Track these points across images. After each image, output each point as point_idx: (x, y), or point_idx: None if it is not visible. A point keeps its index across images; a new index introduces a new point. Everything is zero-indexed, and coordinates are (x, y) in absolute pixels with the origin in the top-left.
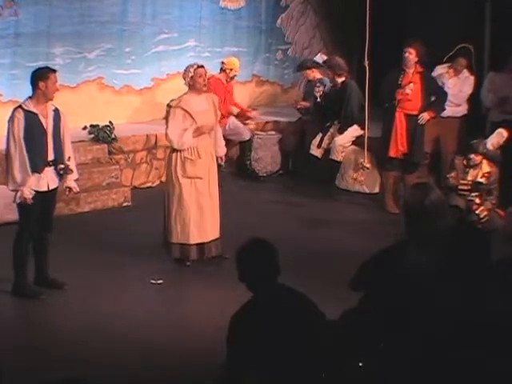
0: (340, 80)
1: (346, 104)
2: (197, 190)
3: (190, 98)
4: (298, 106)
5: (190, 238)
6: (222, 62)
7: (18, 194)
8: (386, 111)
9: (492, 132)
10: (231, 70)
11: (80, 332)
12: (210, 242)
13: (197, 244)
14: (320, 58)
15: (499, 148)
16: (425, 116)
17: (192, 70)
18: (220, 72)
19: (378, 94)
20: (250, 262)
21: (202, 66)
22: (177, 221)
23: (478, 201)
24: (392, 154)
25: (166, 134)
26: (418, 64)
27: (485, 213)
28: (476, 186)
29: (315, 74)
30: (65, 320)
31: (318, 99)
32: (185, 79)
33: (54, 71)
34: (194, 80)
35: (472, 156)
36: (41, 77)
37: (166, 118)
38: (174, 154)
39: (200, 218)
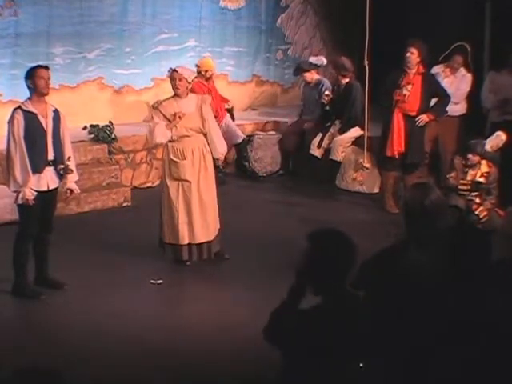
0: (344, 81)
1: (351, 105)
2: (184, 192)
3: (173, 101)
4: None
5: (179, 238)
6: (197, 65)
7: (20, 194)
8: (385, 111)
9: (492, 132)
10: (206, 71)
11: (80, 332)
12: (202, 243)
13: (188, 244)
14: (318, 60)
15: (498, 150)
16: (423, 118)
17: (168, 74)
18: (197, 75)
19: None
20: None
21: (175, 70)
22: (168, 222)
23: (478, 201)
24: (388, 153)
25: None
26: (421, 65)
27: (484, 213)
28: (475, 185)
29: (313, 76)
30: (65, 320)
31: (327, 107)
32: None
33: (43, 67)
34: (171, 84)
35: (470, 156)
36: (27, 75)
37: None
38: (164, 156)
39: (189, 219)
